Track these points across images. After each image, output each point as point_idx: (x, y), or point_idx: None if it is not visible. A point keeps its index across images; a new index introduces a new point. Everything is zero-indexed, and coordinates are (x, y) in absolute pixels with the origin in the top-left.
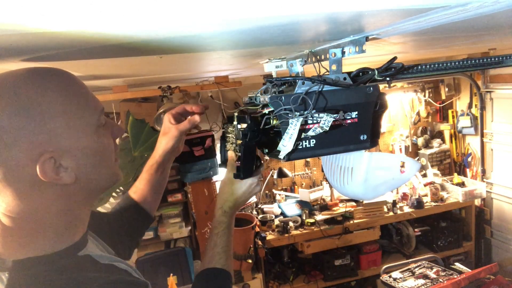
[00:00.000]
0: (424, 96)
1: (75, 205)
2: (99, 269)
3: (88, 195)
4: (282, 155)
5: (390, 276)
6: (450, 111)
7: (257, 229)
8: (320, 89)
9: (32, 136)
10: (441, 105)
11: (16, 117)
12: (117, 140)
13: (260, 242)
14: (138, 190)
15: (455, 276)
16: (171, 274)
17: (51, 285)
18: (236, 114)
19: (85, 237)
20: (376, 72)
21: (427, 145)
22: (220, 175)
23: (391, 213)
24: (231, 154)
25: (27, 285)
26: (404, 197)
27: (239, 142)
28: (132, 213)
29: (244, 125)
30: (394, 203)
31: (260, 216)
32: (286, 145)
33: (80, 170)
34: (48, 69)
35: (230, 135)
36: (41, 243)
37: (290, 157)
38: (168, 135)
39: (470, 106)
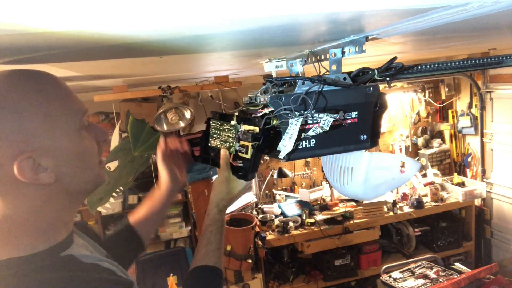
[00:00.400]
0: (424, 96)
1: (56, 206)
2: (81, 268)
3: (70, 197)
4: (282, 155)
5: (390, 276)
6: (450, 111)
7: (257, 229)
8: (320, 89)
9: (10, 135)
10: (441, 105)
11: None
12: (117, 140)
13: (260, 242)
14: (137, 214)
15: (455, 276)
16: (171, 274)
17: (30, 285)
18: (236, 114)
19: (69, 238)
20: (376, 72)
21: (427, 145)
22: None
23: (391, 213)
24: (224, 152)
25: (7, 286)
26: (404, 197)
27: (246, 143)
28: (126, 237)
29: (248, 127)
30: (394, 203)
31: (260, 216)
32: (286, 145)
33: (60, 171)
34: (30, 70)
35: (222, 133)
36: (22, 244)
37: (290, 157)
38: (176, 182)
39: (470, 106)
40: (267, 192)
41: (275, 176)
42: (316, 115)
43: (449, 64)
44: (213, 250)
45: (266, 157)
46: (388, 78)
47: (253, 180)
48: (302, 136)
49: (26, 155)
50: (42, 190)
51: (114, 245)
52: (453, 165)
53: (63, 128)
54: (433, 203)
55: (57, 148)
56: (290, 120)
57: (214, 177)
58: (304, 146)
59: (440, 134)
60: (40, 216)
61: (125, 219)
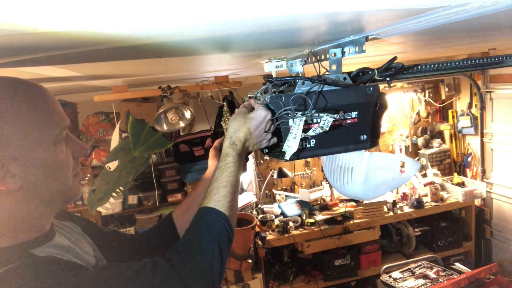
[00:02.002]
0: (424, 96)
1: (24, 211)
2: (32, 260)
3: (38, 205)
4: (288, 156)
5: (390, 276)
6: (450, 111)
7: (257, 229)
8: (320, 89)
9: None
10: (441, 105)
11: None
12: (117, 140)
13: (260, 242)
14: (181, 207)
15: (455, 276)
16: None
17: None
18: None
19: (38, 240)
20: (376, 72)
21: (427, 145)
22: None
23: (391, 213)
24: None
25: None
26: (404, 197)
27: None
28: (163, 232)
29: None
30: (394, 203)
31: (260, 216)
32: (291, 145)
33: (28, 179)
34: (17, 79)
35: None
36: None
37: (290, 157)
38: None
39: (470, 106)
40: (267, 192)
41: (275, 176)
42: (316, 115)
43: (449, 64)
44: (216, 187)
45: (266, 157)
46: (388, 78)
47: (253, 180)
48: (302, 136)
49: None
50: (9, 194)
51: (152, 239)
52: (453, 165)
53: (40, 139)
54: (433, 203)
55: (28, 157)
56: (294, 120)
57: None
58: (304, 146)
59: (440, 134)
60: (5, 217)
61: (170, 213)
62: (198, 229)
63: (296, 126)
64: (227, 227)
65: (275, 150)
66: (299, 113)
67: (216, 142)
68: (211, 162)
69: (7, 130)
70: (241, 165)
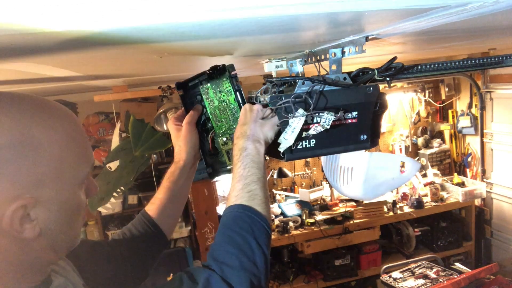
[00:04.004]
0: (424, 96)
1: (32, 259)
2: None
3: (49, 253)
4: (282, 148)
5: (390, 276)
6: (450, 111)
7: None
8: (320, 89)
9: (17, 174)
10: (441, 105)
11: (7, 148)
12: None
13: None
14: (156, 200)
15: (455, 276)
16: (171, 274)
17: None
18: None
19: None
20: (376, 72)
21: (427, 145)
22: (220, 175)
23: (391, 213)
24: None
25: None
26: (404, 197)
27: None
28: (146, 235)
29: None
30: (394, 203)
31: None
32: (287, 138)
33: (48, 225)
34: (57, 105)
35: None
36: None
37: (290, 157)
38: (181, 134)
39: (470, 106)
40: None
41: (275, 176)
42: (317, 114)
43: (449, 64)
44: (233, 185)
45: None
46: (388, 78)
47: None
48: (303, 136)
49: (22, 202)
50: (23, 241)
51: (136, 246)
52: (453, 165)
53: (71, 178)
54: (433, 203)
55: (55, 200)
56: (295, 113)
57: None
58: (304, 146)
59: (440, 134)
60: (13, 265)
61: (143, 212)
62: (228, 227)
63: (296, 120)
64: (257, 219)
65: (275, 150)
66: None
67: (188, 118)
68: (185, 141)
69: (43, 168)
70: (258, 151)
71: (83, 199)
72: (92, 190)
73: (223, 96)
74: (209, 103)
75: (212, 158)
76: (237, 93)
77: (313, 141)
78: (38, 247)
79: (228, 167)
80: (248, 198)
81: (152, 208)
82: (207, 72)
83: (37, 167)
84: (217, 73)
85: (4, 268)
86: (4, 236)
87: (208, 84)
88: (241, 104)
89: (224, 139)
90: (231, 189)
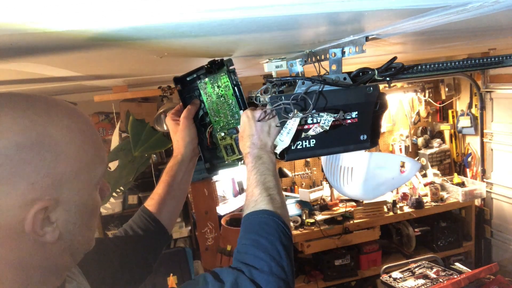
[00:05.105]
0: (424, 96)
1: (51, 264)
2: None
3: (67, 257)
4: (278, 149)
5: (390, 276)
6: (450, 111)
7: None
8: (320, 89)
9: (36, 176)
10: (441, 105)
11: (25, 149)
12: (117, 140)
13: None
14: (155, 196)
15: (455, 276)
16: (171, 274)
17: None
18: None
19: None
20: (376, 72)
21: (427, 145)
22: (220, 175)
23: (391, 213)
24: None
25: None
26: (404, 197)
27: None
28: (147, 230)
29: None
30: (394, 203)
31: None
32: (283, 139)
33: (67, 228)
34: (69, 105)
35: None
36: None
37: (290, 157)
38: (180, 129)
39: (470, 106)
40: None
41: None
42: (316, 114)
43: (449, 64)
44: (249, 192)
45: None
46: (388, 78)
47: None
48: (303, 136)
49: (42, 204)
50: (43, 246)
51: (138, 242)
52: (453, 165)
53: (88, 179)
54: (433, 203)
55: (74, 201)
56: (291, 115)
57: (214, 177)
58: (304, 146)
59: (440, 134)
60: (34, 269)
61: (142, 208)
62: (255, 232)
63: (291, 122)
64: (282, 224)
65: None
66: (298, 112)
67: (185, 112)
68: (183, 134)
69: (61, 168)
70: (267, 164)
71: (99, 199)
72: (105, 191)
73: (221, 91)
74: (207, 98)
75: (210, 153)
76: (235, 88)
77: (313, 141)
78: (57, 251)
79: (226, 162)
80: (270, 203)
81: (151, 203)
82: (205, 66)
83: (55, 168)
84: (215, 67)
85: (28, 274)
86: (27, 240)
87: (206, 79)
88: (239, 99)
89: (222, 134)
90: (248, 194)
